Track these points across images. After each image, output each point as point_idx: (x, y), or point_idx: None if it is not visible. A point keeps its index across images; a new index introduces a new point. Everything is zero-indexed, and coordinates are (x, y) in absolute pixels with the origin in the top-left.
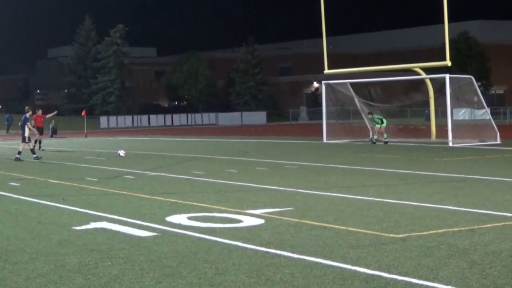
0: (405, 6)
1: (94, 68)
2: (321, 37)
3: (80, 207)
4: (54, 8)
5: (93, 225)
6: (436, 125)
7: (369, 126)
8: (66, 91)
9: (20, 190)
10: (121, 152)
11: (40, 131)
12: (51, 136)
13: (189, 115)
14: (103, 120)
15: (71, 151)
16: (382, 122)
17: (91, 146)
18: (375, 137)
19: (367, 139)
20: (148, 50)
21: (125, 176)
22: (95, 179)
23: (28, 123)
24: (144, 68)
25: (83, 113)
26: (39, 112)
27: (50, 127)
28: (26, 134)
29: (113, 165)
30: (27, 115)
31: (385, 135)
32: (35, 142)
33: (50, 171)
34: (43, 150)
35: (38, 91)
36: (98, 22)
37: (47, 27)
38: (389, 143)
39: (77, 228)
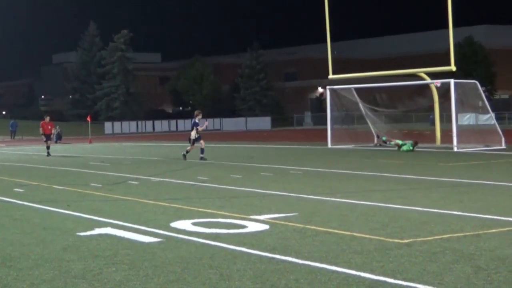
0: (410, 11)
1: (98, 74)
2: (326, 42)
3: (84, 213)
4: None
5: (97, 231)
6: (441, 130)
7: (373, 131)
8: (70, 96)
9: (24, 196)
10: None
11: (48, 137)
12: (56, 142)
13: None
14: (107, 125)
15: (75, 156)
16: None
17: (96, 152)
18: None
19: (372, 145)
20: (152, 55)
21: (130, 181)
22: (100, 185)
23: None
24: (149, 73)
25: (88, 119)
26: (47, 119)
27: (55, 132)
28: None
29: (117, 171)
30: None
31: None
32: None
33: (55, 177)
34: (49, 155)
35: (42, 96)
36: (103, 27)
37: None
38: (391, 148)
39: (82, 234)
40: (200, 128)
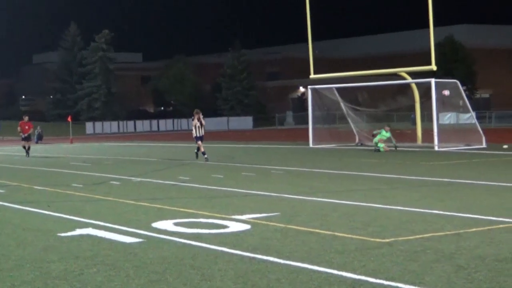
0: (391, 11)
1: (79, 74)
2: (308, 42)
3: (65, 214)
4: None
5: (78, 231)
6: (422, 130)
7: (355, 131)
8: (51, 97)
9: (4, 196)
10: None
11: (27, 138)
12: (37, 142)
13: (175, 120)
14: (89, 126)
15: (56, 157)
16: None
17: (77, 152)
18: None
19: (353, 144)
20: (134, 55)
21: (111, 182)
22: (81, 185)
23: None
24: (130, 73)
25: (69, 119)
26: (26, 118)
27: (36, 133)
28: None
29: (98, 171)
30: None
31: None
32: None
33: (35, 177)
34: (28, 156)
35: (23, 97)
36: (84, 27)
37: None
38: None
39: (63, 234)
40: (195, 122)
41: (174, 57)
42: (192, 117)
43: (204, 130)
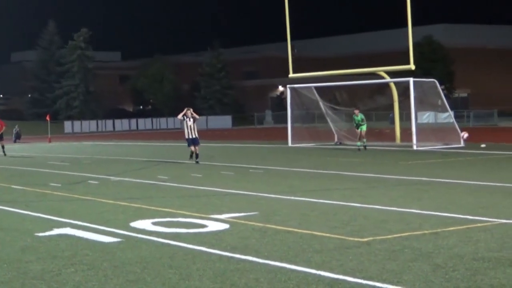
0: (370, 10)
1: (58, 73)
2: (286, 41)
3: (43, 213)
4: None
5: (56, 231)
6: (401, 129)
7: (334, 130)
8: (29, 95)
9: None
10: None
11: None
12: (15, 141)
13: (154, 119)
14: (67, 125)
15: (34, 156)
16: (362, 124)
17: (55, 151)
18: (364, 140)
19: (332, 143)
20: (112, 54)
21: (89, 181)
22: (59, 185)
23: None
24: (109, 72)
25: (47, 118)
26: None
27: (14, 132)
28: None
29: (77, 170)
30: None
31: (364, 140)
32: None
33: (13, 177)
34: (5, 155)
35: (1, 95)
36: (62, 26)
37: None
38: (352, 147)
39: (40, 234)
40: (179, 116)
41: (153, 56)
42: (183, 116)
43: (195, 131)
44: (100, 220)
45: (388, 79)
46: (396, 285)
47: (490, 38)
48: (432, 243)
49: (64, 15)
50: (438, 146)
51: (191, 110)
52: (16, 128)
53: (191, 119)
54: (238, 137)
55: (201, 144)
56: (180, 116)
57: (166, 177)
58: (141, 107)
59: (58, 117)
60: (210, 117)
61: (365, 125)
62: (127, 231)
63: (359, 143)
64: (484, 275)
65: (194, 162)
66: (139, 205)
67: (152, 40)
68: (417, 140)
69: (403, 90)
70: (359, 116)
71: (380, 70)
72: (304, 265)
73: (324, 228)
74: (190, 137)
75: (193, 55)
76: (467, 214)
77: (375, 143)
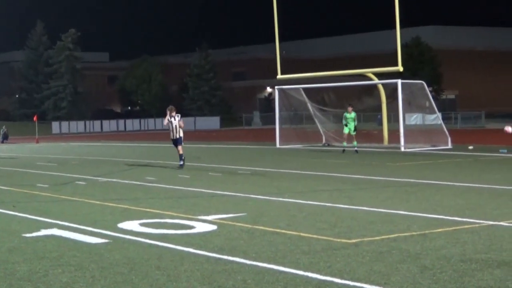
0: (358, 12)
1: (45, 73)
2: (275, 42)
3: (30, 214)
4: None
5: (43, 232)
6: (389, 130)
7: (322, 131)
8: (17, 96)
9: None
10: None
11: None
12: (2, 142)
13: (142, 120)
14: (55, 125)
15: (22, 157)
16: (352, 123)
17: (43, 152)
18: (355, 143)
19: (320, 144)
20: (100, 54)
21: (77, 182)
22: (46, 185)
23: None
24: (97, 73)
25: (34, 119)
26: None
27: (2, 132)
28: None
29: (64, 171)
30: None
31: (355, 143)
32: None
33: (0, 178)
34: None
35: None
36: (50, 27)
37: None
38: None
39: (28, 235)
40: (165, 123)
41: (141, 57)
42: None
43: (179, 131)
44: (88, 221)
45: (376, 80)
46: (384, 286)
47: (478, 40)
48: (420, 245)
49: (52, 16)
50: (426, 148)
51: (173, 111)
52: (3, 129)
53: (176, 118)
54: (226, 138)
55: (189, 146)
56: (165, 122)
57: (154, 178)
58: (129, 107)
59: (46, 118)
60: (198, 118)
61: (354, 123)
62: (115, 232)
63: (345, 143)
64: (471, 276)
65: (178, 165)
66: (126, 206)
67: (140, 41)
68: (405, 141)
69: (391, 92)
70: (352, 113)
71: (368, 71)
72: (291, 267)
73: (312, 229)
74: (173, 137)
75: (181, 56)
76: (455, 216)
77: (363, 145)
